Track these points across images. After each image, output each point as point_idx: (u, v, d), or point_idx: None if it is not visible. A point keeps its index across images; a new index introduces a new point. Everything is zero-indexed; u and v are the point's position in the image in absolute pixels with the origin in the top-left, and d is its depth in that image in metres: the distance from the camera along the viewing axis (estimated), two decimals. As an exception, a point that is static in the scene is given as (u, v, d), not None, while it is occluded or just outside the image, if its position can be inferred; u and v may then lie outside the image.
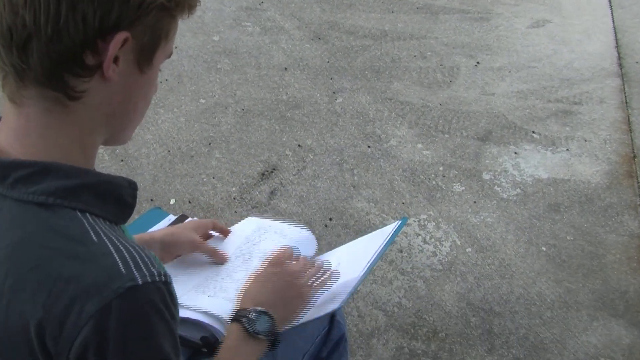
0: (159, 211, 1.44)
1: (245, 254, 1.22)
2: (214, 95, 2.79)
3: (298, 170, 2.40)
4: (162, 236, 1.15)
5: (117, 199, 0.69)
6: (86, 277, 0.59)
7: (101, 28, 0.61)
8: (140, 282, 0.61)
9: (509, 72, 3.02)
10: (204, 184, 2.33)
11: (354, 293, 1.08)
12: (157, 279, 0.63)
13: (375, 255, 1.13)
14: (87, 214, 0.65)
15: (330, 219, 2.18)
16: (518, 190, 2.33)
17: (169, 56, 0.73)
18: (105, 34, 0.62)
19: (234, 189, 2.30)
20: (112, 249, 0.62)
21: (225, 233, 1.27)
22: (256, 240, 1.26)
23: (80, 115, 0.66)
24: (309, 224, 2.15)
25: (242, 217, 2.15)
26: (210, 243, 1.24)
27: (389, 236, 1.18)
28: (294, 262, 1.06)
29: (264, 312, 0.94)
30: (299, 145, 2.52)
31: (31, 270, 0.61)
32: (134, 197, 0.72)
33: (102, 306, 0.59)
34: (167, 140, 2.53)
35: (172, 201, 2.25)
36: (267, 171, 2.39)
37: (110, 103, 0.68)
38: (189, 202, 2.24)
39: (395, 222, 1.23)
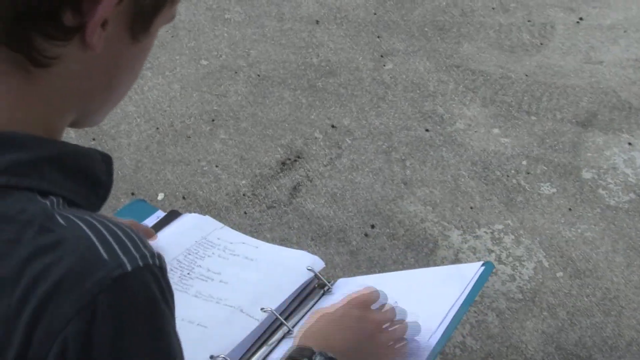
0: (144, 204, 1.48)
1: (184, 268, 1.25)
2: (220, 56, 2.80)
3: (331, 159, 2.40)
4: None
5: (88, 176, 0.69)
6: (57, 270, 0.59)
7: None
8: (129, 267, 0.60)
9: (625, 31, 2.98)
10: (204, 174, 2.34)
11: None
12: (150, 261, 0.63)
13: (452, 313, 1.13)
14: (51, 197, 0.64)
15: (373, 226, 2.18)
16: (632, 195, 2.31)
17: (171, 20, 0.73)
18: None
19: (243, 182, 2.31)
20: (87, 229, 0.62)
21: (149, 235, 1.28)
22: (199, 255, 1.29)
23: (46, 87, 0.66)
24: (344, 232, 2.16)
25: (253, 220, 2.19)
26: None
27: (470, 285, 1.17)
28: (379, 311, 1.11)
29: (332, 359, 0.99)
30: (332, 126, 2.52)
31: None
32: (110, 173, 0.72)
33: (84, 304, 0.58)
34: (155, 114, 2.55)
35: (161, 196, 2.26)
36: (290, 159, 2.39)
37: (89, 76, 0.68)
38: (183, 197, 2.25)
39: (475, 265, 1.22)
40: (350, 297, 1.11)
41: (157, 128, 2.49)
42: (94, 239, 0.61)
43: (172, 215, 1.42)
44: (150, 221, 1.40)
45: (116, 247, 0.61)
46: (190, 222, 1.40)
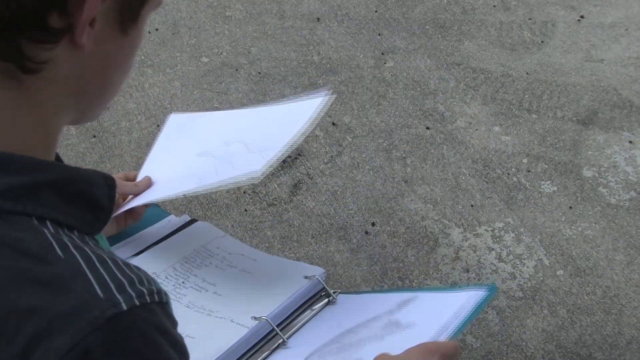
0: (157, 209, 1.46)
1: (180, 276, 1.26)
2: (221, 53, 2.81)
3: (331, 157, 2.41)
4: None
5: (89, 200, 0.69)
6: (52, 307, 0.58)
7: None
8: (125, 307, 0.60)
9: (626, 29, 2.98)
10: (204, 171, 2.34)
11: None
12: (148, 299, 0.62)
13: (445, 334, 1.09)
14: (48, 222, 0.64)
15: (373, 224, 2.19)
16: (632, 193, 2.31)
17: (158, 6, 0.72)
18: None
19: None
20: (84, 265, 0.61)
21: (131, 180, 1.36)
22: (196, 264, 1.29)
23: (39, 93, 0.66)
24: (344, 229, 2.16)
25: (254, 218, 2.19)
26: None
27: (470, 307, 1.15)
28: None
29: None
30: (333, 124, 2.53)
31: None
32: (111, 197, 0.71)
33: (76, 343, 0.57)
34: (156, 111, 2.55)
35: (161, 193, 2.26)
36: (290, 157, 2.40)
37: (82, 76, 0.68)
38: (183, 195, 2.25)
39: (477, 289, 1.19)
40: (430, 347, 1.00)
41: (158, 125, 2.50)
42: (90, 276, 0.60)
43: (191, 223, 1.42)
44: (162, 226, 1.40)
45: (112, 285, 0.61)
46: (192, 230, 1.39)
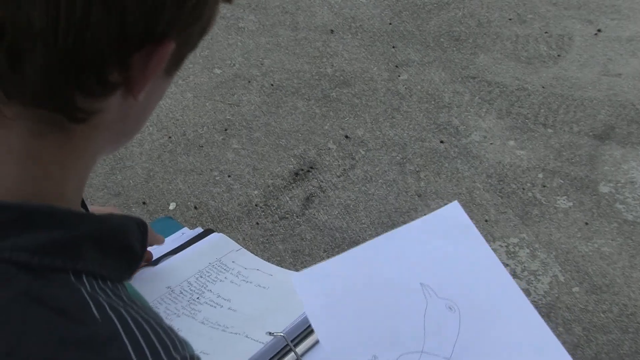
0: (170, 221, 1.46)
1: (194, 292, 1.26)
2: (234, 65, 2.82)
3: (344, 170, 2.41)
4: None
5: (123, 248, 0.69)
6: None
7: (145, 35, 0.58)
8: None
9: (642, 45, 2.97)
10: (216, 183, 2.35)
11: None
12: None
13: None
14: (84, 277, 0.63)
15: (386, 239, 2.18)
16: (649, 209, 2.30)
17: None
18: (144, 44, 0.59)
19: (256, 192, 2.33)
20: (120, 328, 0.61)
21: (158, 241, 1.27)
22: (211, 279, 1.29)
23: (83, 140, 0.65)
24: (357, 243, 2.14)
25: (265, 231, 2.19)
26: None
27: None
28: None
29: None
30: (346, 137, 2.53)
31: (6, 357, 0.58)
32: (144, 241, 0.72)
33: None
34: (167, 123, 2.56)
35: (172, 205, 2.28)
36: (302, 170, 2.40)
37: (124, 119, 0.67)
38: (195, 207, 2.26)
39: None
40: None
41: (170, 137, 2.51)
42: (126, 340, 0.60)
43: (205, 234, 1.41)
44: (174, 239, 1.39)
45: (147, 351, 0.60)
46: (208, 242, 1.39)
